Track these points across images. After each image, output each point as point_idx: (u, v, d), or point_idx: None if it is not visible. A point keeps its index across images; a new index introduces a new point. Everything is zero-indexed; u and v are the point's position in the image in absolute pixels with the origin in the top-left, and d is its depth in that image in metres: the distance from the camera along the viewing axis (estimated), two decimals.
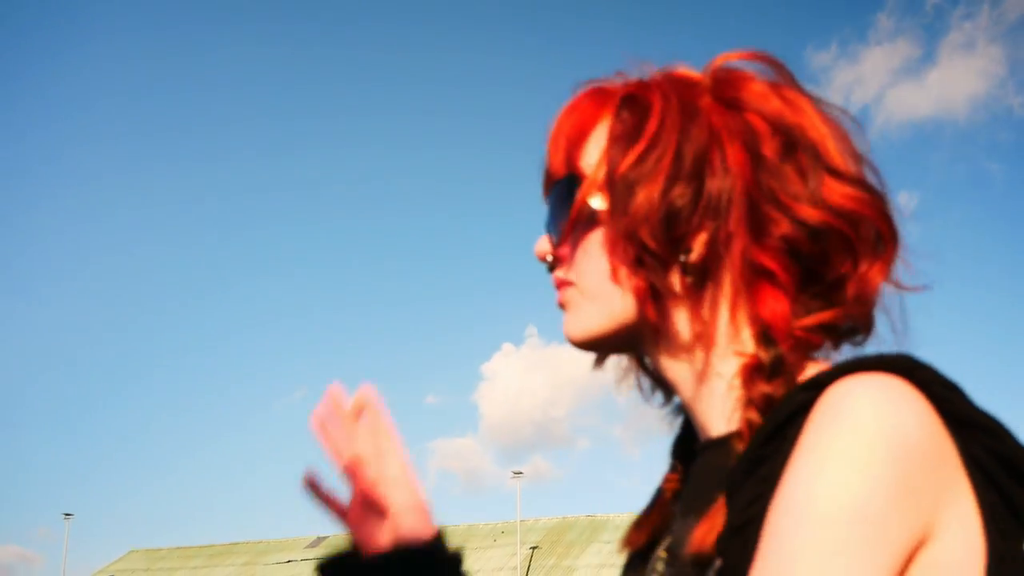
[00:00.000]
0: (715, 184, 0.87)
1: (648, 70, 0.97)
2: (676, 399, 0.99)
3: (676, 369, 0.93)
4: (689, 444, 0.99)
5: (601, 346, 0.97)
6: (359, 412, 1.10)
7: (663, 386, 1.01)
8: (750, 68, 0.95)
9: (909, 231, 0.90)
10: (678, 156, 0.88)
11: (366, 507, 1.07)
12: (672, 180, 0.88)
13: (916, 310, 0.89)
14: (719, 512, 0.78)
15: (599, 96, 0.97)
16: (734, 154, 0.88)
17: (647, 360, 0.99)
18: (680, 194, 0.88)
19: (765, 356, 0.83)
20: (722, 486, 0.79)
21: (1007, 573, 0.72)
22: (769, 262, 0.86)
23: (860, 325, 0.89)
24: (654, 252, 0.88)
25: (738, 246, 0.87)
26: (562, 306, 0.98)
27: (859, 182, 0.87)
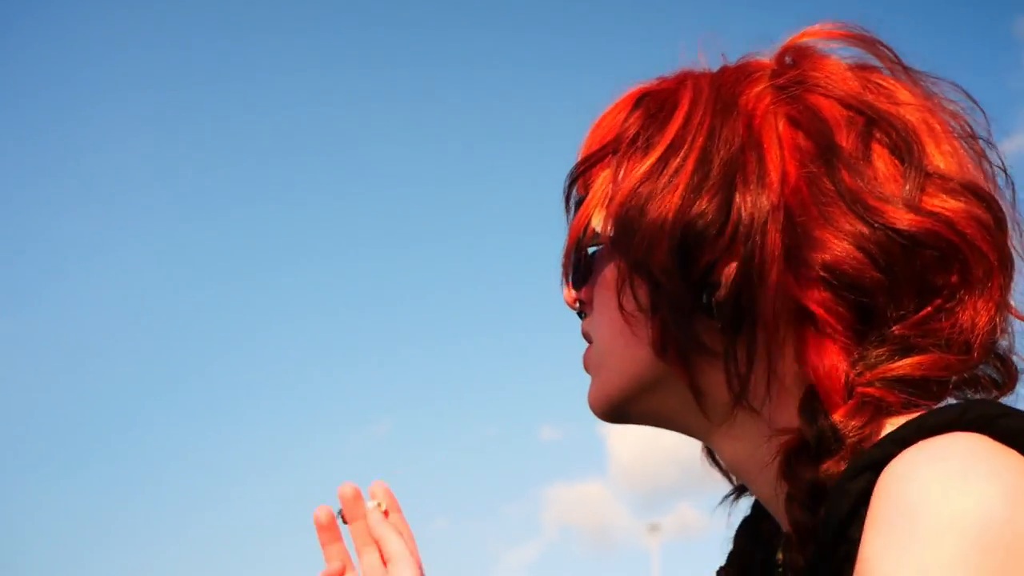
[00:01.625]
0: (748, 198, 0.71)
1: (702, 62, 0.82)
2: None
3: (720, 444, 0.78)
4: (758, 526, 0.85)
5: (627, 415, 0.82)
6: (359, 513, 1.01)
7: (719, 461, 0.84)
8: (838, 51, 0.79)
9: None
10: (702, 163, 0.73)
11: None
12: (694, 193, 0.72)
13: None
14: None
15: (636, 100, 0.82)
16: (781, 157, 0.72)
17: (691, 431, 0.82)
18: (702, 211, 0.71)
19: (809, 431, 0.67)
20: None
21: None
22: (809, 301, 0.70)
23: (972, 374, 0.72)
24: (669, 288, 0.72)
25: (772, 279, 0.70)
26: (587, 369, 0.85)
27: (966, 190, 0.70)
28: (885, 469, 0.60)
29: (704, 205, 0.71)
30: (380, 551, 0.97)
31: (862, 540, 0.59)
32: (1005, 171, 0.75)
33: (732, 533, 0.87)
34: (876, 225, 0.69)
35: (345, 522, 1.01)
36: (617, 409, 0.81)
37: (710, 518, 0.88)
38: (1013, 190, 0.76)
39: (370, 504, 0.99)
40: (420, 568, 0.94)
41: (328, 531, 1.00)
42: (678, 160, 0.73)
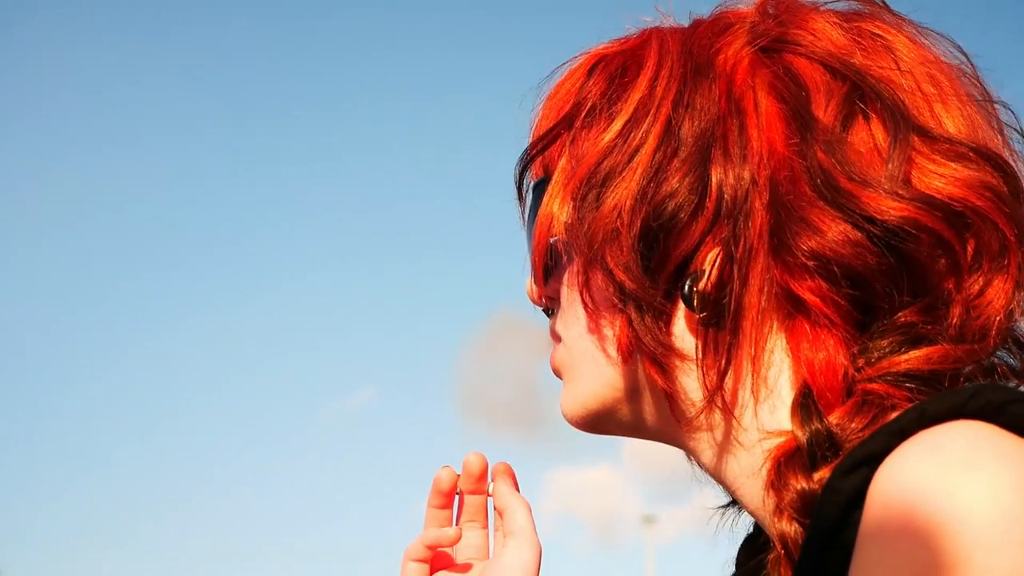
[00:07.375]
0: (729, 173, 0.65)
1: (668, 19, 0.75)
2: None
3: (702, 453, 0.70)
4: (763, 543, 0.76)
5: (606, 424, 0.75)
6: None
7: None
8: None
9: None
10: (669, 135, 0.66)
11: None
12: (658, 172, 0.65)
13: None
14: None
15: (592, 65, 0.75)
16: (761, 127, 0.65)
17: (675, 440, 0.75)
18: (672, 191, 0.65)
19: (801, 434, 0.61)
20: None
21: None
22: (802, 289, 0.63)
23: (989, 362, 0.65)
24: (630, 286, 0.65)
25: (760, 265, 0.64)
26: (556, 373, 0.77)
27: (978, 155, 0.63)
28: (880, 466, 0.54)
29: (675, 184, 0.65)
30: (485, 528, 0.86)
31: (855, 547, 0.54)
32: (1021, 133, 0.69)
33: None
34: (848, 212, 0.62)
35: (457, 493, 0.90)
36: (595, 418, 0.74)
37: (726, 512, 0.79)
38: None
39: (491, 485, 0.86)
40: (540, 550, 0.82)
41: (446, 496, 0.85)
42: (640, 133, 0.67)
